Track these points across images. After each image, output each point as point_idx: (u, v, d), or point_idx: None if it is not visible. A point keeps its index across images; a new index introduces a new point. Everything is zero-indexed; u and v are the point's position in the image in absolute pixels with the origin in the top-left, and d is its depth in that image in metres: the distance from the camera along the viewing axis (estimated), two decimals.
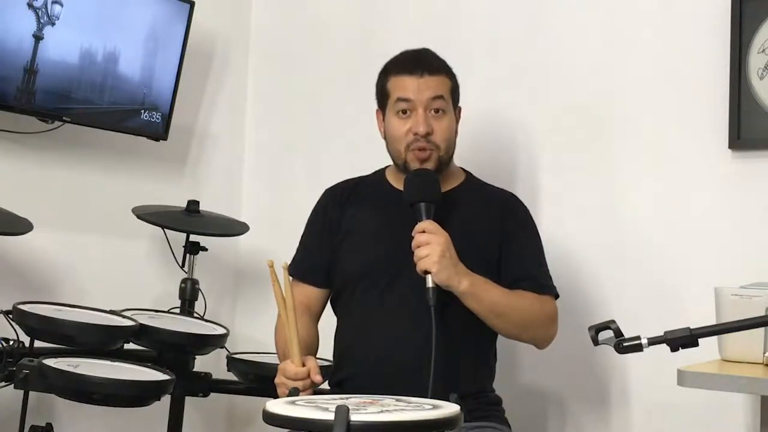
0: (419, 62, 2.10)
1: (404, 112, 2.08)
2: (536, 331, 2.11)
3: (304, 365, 1.92)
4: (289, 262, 1.98)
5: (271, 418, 1.36)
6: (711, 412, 2.31)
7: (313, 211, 2.27)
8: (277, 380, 1.96)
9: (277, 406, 1.38)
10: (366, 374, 2.07)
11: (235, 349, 2.71)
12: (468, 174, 2.25)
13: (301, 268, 2.21)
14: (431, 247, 1.93)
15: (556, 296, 2.15)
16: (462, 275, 1.96)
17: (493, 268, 2.10)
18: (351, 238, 2.17)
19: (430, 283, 1.93)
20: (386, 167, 2.24)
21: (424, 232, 1.96)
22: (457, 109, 2.16)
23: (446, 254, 1.94)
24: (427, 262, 1.93)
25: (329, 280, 2.20)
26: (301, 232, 2.27)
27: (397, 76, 2.11)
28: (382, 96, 2.15)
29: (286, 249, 2.26)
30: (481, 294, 2.00)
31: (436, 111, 2.08)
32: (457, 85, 2.15)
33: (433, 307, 1.91)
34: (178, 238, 2.80)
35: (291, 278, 2.20)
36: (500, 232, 2.13)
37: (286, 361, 1.94)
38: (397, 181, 2.16)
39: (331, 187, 2.28)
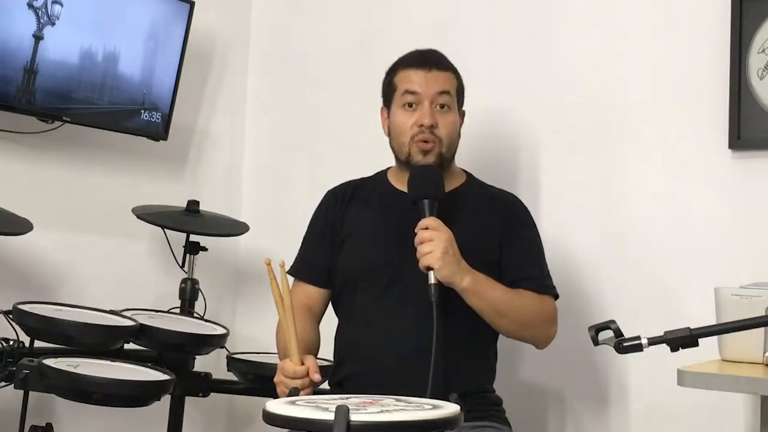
0: (428, 58, 2.13)
1: (410, 105, 2.10)
2: (536, 331, 2.12)
3: (302, 364, 1.92)
4: (286, 261, 1.98)
5: (271, 418, 1.36)
6: (711, 412, 2.31)
7: (315, 212, 2.27)
8: (276, 379, 1.96)
9: (277, 406, 1.38)
10: (366, 373, 2.08)
11: (235, 349, 2.71)
12: (469, 175, 2.25)
13: (302, 269, 2.22)
14: (434, 244, 1.94)
15: (556, 296, 2.15)
16: (464, 272, 1.97)
17: (493, 268, 2.09)
18: (352, 239, 2.17)
19: (432, 280, 1.94)
20: (388, 168, 2.24)
21: (427, 228, 1.97)
22: (461, 111, 2.17)
23: (449, 251, 1.94)
24: (430, 258, 1.94)
25: (331, 280, 2.20)
26: (301, 232, 2.27)
27: (405, 70, 2.13)
28: (389, 90, 2.16)
29: (286, 249, 2.26)
30: (483, 292, 2.00)
31: (442, 106, 2.09)
32: (462, 86, 2.18)
33: (435, 303, 1.91)
34: (178, 238, 2.80)
35: (293, 278, 2.22)
36: (501, 233, 2.14)
37: (285, 360, 1.95)
38: (398, 182, 2.17)
39: (333, 188, 2.28)
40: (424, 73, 2.10)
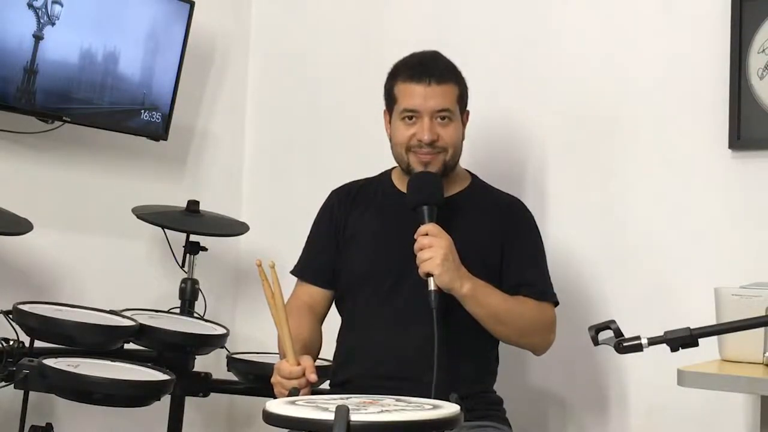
0: (427, 69, 2.08)
1: (410, 118, 2.08)
2: (534, 338, 2.12)
3: (299, 364, 1.91)
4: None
5: (271, 418, 1.36)
6: (711, 412, 2.31)
7: (319, 212, 2.26)
8: (273, 380, 1.96)
9: (277, 406, 1.38)
10: (368, 375, 2.07)
11: (235, 349, 2.71)
12: (474, 177, 2.25)
13: (306, 269, 2.22)
14: (434, 250, 1.94)
15: (556, 303, 2.15)
16: (464, 279, 1.96)
17: (494, 272, 2.10)
18: (356, 240, 2.17)
19: (432, 286, 1.93)
20: (392, 168, 2.23)
21: (426, 235, 1.96)
22: (464, 114, 2.16)
23: (449, 257, 1.94)
24: (429, 265, 1.93)
25: (334, 281, 2.19)
26: (302, 232, 2.27)
27: (404, 83, 2.09)
28: (390, 99, 2.14)
29: (286, 249, 2.26)
30: (482, 298, 2.00)
31: (443, 118, 2.07)
32: (465, 91, 2.14)
33: (435, 310, 1.91)
34: (178, 238, 2.80)
35: (296, 278, 2.21)
36: (502, 238, 2.13)
37: (282, 360, 1.94)
38: (402, 183, 2.16)
39: (337, 188, 2.28)
40: (423, 89, 2.05)
